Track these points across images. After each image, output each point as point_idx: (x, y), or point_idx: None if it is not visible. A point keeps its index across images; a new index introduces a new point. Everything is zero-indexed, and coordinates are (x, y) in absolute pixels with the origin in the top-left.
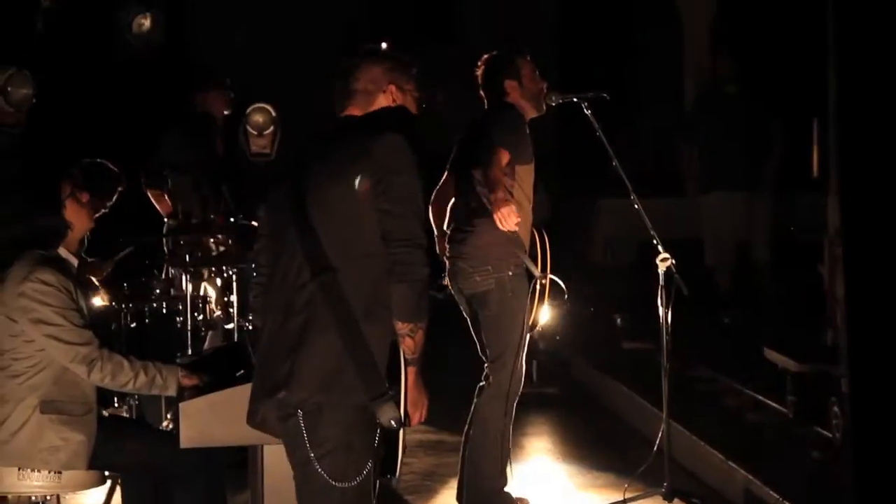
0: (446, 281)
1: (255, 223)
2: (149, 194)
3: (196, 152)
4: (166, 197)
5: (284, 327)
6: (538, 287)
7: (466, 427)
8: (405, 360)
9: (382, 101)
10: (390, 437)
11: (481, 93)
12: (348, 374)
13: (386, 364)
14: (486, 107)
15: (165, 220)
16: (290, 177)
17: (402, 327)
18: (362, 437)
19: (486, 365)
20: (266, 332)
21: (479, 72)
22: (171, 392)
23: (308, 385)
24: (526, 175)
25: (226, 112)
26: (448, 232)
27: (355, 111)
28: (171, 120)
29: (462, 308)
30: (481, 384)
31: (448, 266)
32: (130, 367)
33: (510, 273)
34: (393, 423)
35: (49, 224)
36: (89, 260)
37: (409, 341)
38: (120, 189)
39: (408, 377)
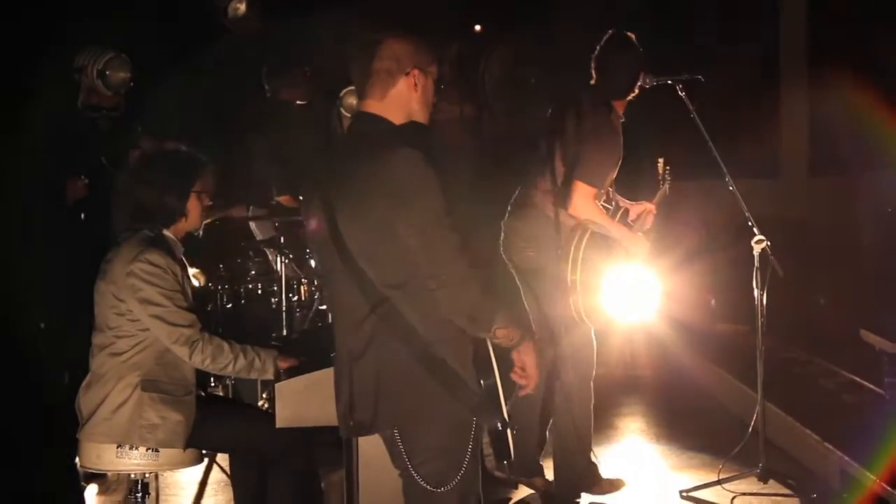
0: None
1: None
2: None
3: (279, 145)
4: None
5: (357, 369)
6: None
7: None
8: (502, 349)
9: (402, 87)
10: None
11: (594, 67)
12: (437, 398)
13: (472, 367)
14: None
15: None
16: (319, 190)
17: (482, 336)
18: (459, 440)
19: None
20: (337, 374)
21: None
22: (269, 375)
23: (398, 421)
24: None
25: (300, 101)
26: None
27: (373, 100)
28: (253, 118)
29: (517, 279)
30: None
31: (503, 236)
32: (230, 350)
33: (559, 252)
34: (498, 426)
35: (171, 205)
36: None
37: (498, 341)
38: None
39: (516, 357)
